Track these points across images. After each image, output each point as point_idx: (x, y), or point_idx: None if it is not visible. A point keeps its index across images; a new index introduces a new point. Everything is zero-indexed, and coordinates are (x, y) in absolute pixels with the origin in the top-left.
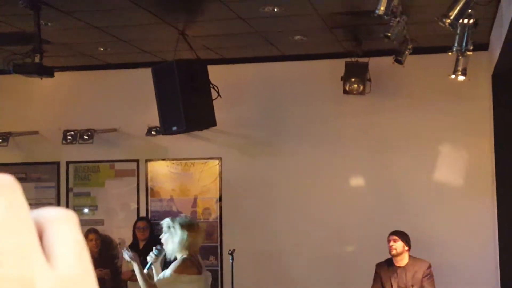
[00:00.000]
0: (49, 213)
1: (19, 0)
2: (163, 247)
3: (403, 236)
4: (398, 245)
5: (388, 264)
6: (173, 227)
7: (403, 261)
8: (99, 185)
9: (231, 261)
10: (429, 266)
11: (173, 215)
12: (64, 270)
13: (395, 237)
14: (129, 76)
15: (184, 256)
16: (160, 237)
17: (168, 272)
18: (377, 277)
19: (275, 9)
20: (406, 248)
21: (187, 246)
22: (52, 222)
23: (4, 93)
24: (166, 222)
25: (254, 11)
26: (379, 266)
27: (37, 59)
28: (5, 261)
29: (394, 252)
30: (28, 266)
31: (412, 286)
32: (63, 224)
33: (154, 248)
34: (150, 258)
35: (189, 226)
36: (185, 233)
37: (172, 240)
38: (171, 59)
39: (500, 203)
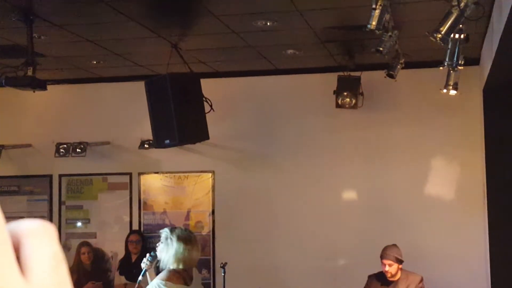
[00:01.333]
0: (26, 225)
1: (11, 13)
2: (157, 254)
3: (395, 256)
4: (393, 268)
5: (380, 278)
6: (170, 238)
7: (395, 276)
8: (92, 198)
9: (223, 274)
10: (421, 280)
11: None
12: (40, 284)
13: (390, 262)
14: (122, 89)
15: (173, 267)
16: (157, 245)
17: (154, 281)
18: None
19: (268, 23)
20: (400, 266)
21: (182, 259)
22: (28, 234)
23: None
24: (164, 232)
25: (247, 25)
26: (370, 278)
27: (29, 72)
28: None
29: (389, 275)
30: (1, 279)
31: None
32: (40, 237)
33: (148, 254)
34: (144, 264)
35: (186, 239)
36: (181, 246)
37: (167, 251)
38: (164, 72)
39: (491, 217)
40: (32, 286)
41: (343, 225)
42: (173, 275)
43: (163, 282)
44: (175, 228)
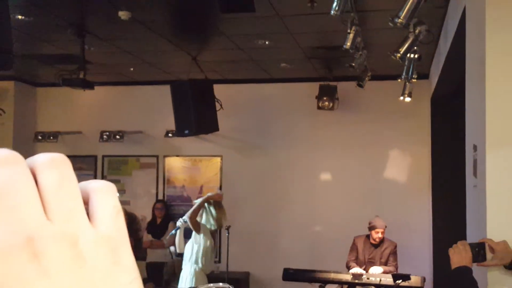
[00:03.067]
0: (94, 184)
1: (68, 29)
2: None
3: (385, 224)
4: (383, 235)
5: (365, 239)
6: (208, 206)
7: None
8: (128, 174)
9: (227, 234)
10: (396, 246)
11: (184, 199)
12: (103, 229)
13: (382, 230)
14: (152, 90)
15: (213, 228)
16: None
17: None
18: (354, 248)
19: (266, 42)
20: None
21: (216, 220)
22: (95, 191)
23: (55, 101)
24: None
25: (250, 43)
26: (357, 238)
27: (81, 75)
28: (57, 219)
29: (379, 240)
30: (74, 224)
31: (381, 259)
32: (104, 193)
33: (185, 216)
34: (179, 223)
35: (218, 205)
36: (216, 211)
37: (207, 216)
38: (185, 78)
39: (435, 196)
40: (97, 231)
41: (320, 200)
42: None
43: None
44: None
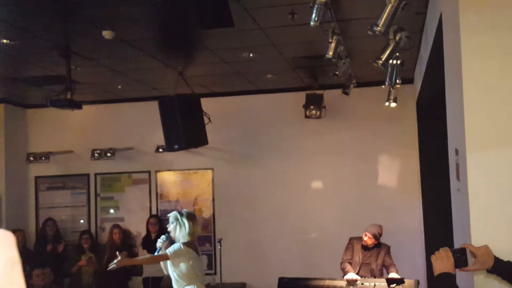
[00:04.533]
0: None
1: (53, 50)
2: (171, 234)
3: (375, 233)
4: (370, 240)
5: (360, 240)
6: (181, 219)
7: (371, 244)
8: (120, 191)
9: (219, 247)
10: (389, 248)
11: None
12: None
13: (370, 235)
14: (141, 107)
15: (184, 241)
16: (167, 226)
17: (177, 245)
18: (350, 247)
19: (251, 55)
20: (376, 242)
21: (191, 233)
22: None
23: (45, 122)
24: (173, 215)
25: (235, 56)
26: (353, 239)
27: (68, 96)
28: None
29: (365, 244)
30: None
31: (377, 261)
32: None
33: (162, 235)
34: (159, 244)
35: (192, 217)
36: (190, 223)
37: (180, 228)
38: (173, 94)
39: (425, 199)
40: None
41: (311, 207)
42: (189, 246)
43: (185, 247)
44: (181, 210)
